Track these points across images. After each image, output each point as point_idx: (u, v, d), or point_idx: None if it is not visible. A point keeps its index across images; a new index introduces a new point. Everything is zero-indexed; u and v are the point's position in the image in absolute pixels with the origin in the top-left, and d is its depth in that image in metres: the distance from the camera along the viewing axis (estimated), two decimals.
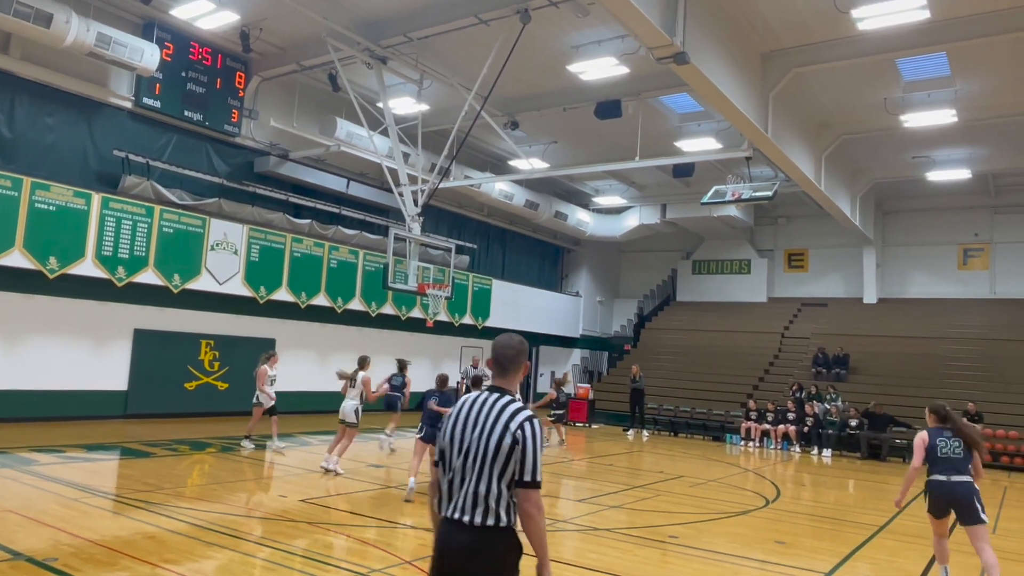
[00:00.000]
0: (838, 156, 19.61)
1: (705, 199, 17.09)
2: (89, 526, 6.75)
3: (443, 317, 21.46)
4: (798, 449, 18.19)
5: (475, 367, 17.99)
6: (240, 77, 17.19)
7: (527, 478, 2.93)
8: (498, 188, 22.24)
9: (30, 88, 14.17)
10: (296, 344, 18.13)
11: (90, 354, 14.73)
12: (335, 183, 19.61)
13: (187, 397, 16.14)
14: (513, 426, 2.96)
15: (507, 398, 3.08)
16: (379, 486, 10.01)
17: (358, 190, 20.13)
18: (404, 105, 17.55)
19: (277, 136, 18.14)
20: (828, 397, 19.20)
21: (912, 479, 6.32)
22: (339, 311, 18.81)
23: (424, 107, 17.47)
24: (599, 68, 15.07)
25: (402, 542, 6.99)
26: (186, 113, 16.26)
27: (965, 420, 6.34)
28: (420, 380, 20.17)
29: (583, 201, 27.42)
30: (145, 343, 15.48)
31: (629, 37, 13.43)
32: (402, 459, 12.42)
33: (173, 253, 15.19)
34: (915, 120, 16.55)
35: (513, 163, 22.75)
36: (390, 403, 14.37)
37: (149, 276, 14.83)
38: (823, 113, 17.67)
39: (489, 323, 23.60)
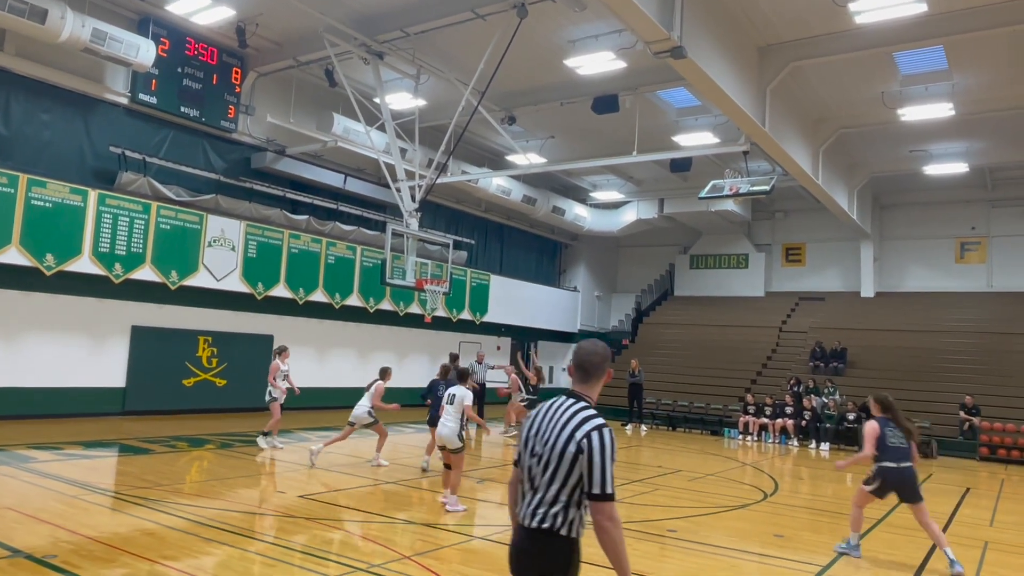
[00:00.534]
0: (835, 150, 19.61)
1: (703, 194, 17.11)
2: (88, 523, 6.75)
3: (441, 313, 21.47)
4: (796, 443, 18.24)
5: (480, 362, 17.98)
6: (236, 73, 17.14)
7: (595, 490, 2.86)
8: (496, 183, 22.22)
9: (26, 84, 14.11)
10: (294, 340, 18.01)
11: (88, 351, 14.71)
12: (332, 179, 19.57)
13: (185, 394, 16.13)
14: (579, 435, 2.90)
15: (580, 404, 3.02)
16: (378, 481, 10.02)
17: (355, 186, 20.09)
18: (401, 100, 17.52)
19: (274, 132, 18.09)
20: (826, 391, 19.24)
21: (860, 461, 7.26)
22: (337, 307, 18.80)
23: (421, 102, 17.43)
24: (596, 62, 15.03)
25: (401, 537, 7.00)
26: (182, 109, 16.21)
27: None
28: (418, 376, 20.24)
29: (581, 196, 27.41)
30: (143, 340, 15.46)
31: (626, 31, 13.41)
32: (402, 454, 12.44)
33: (170, 249, 15.16)
34: (912, 114, 16.56)
35: (510, 158, 22.71)
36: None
37: (146, 273, 14.80)
38: (820, 107, 17.66)
39: (487, 318, 23.60)
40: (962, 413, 17.68)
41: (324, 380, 19.05)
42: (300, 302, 17.91)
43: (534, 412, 3.13)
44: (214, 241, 15.96)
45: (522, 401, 16.47)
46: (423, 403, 11.34)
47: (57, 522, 6.69)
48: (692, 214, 25.97)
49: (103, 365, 14.91)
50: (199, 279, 15.69)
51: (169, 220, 15.20)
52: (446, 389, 10.25)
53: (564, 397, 3.09)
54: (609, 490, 2.85)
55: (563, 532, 2.91)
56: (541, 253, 29.03)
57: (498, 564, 6.27)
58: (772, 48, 14.41)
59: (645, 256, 31.34)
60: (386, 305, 20.01)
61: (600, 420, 2.95)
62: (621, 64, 15.02)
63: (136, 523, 6.90)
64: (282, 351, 12.35)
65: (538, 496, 2.94)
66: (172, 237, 15.20)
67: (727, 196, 16.88)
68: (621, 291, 31.89)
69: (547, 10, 13.51)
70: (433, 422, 10.21)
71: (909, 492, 7.02)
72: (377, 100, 16.56)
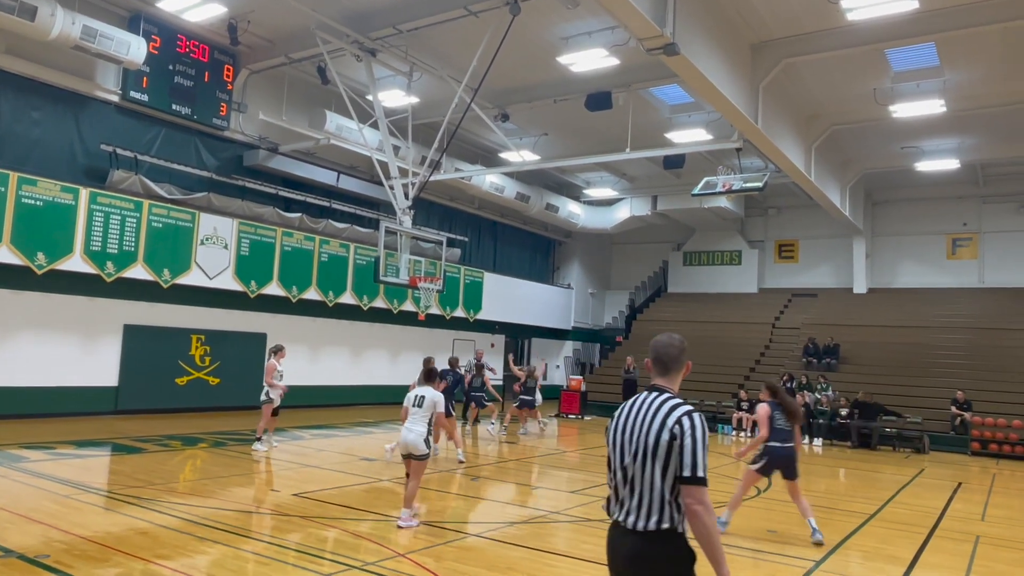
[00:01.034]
0: (828, 147, 19.66)
1: (696, 190, 17.12)
2: (81, 522, 6.72)
3: (435, 310, 21.46)
4: None
5: (479, 360, 17.92)
6: (228, 70, 17.07)
7: (686, 473, 2.83)
8: (489, 181, 22.20)
9: (15, 82, 14.02)
10: (287, 338, 17.90)
11: (80, 350, 14.65)
12: (325, 176, 19.52)
13: (178, 392, 16.08)
14: (671, 421, 2.88)
15: (666, 395, 3.01)
16: (372, 479, 10.01)
17: (348, 183, 20.05)
18: (394, 98, 17.47)
19: (266, 130, 18.03)
20: (819, 387, 19.30)
21: (759, 443, 7.91)
22: (330, 305, 18.76)
23: (414, 100, 17.40)
24: (589, 60, 15.02)
25: (396, 535, 6.99)
26: (174, 107, 16.14)
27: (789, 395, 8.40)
28: (412, 374, 20.20)
29: (574, 193, 27.42)
30: (135, 338, 15.40)
31: (619, 28, 13.40)
32: (396, 452, 12.41)
33: (162, 248, 15.10)
34: (904, 110, 16.61)
35: (504, 155, 22.71)
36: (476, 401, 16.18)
37: (138, 271, 14.74)
38: (813, 104, 17.71)
39: (481, 316, 23.60)
40: (954, 408, 17.77)
41: (317, 379, 19.03)
42: (293, 300, 17.87)
43: (618, 412, 3.09)
44: (206, 239, 15.90)
45: (514, 402, 16.47)
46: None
47: (50, 522, 6.66)
48: (685, 211, 26.01)
49: (95, 364, 14.85)
50: (191, 277, 15.64)
51: (161, 218, 15.14)
52: (452, 380, 12.19)
53: (646, 392, 3.07)
54: (701, 473, 2.81)
55: (680, 528, 2.87)
56: (535, 250, 29.04)
57: (494, 561, 6.28)
58: (765, 45, 14.43)
59: (639, 253, 31.39)
60: (380, 303, 19.98)
61: (689, 406, 2.93)
62: (614, 61, 15.02)
63: (129, 522, 6.88)
64: (278, 350, 11.93)
65: (641, 494, 2.89)
66: (164, 235, 15.14)
67: (720, 193, 16.89)
68: (615, 288, 31.94)
69: (540, 7, 13.50)
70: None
71: (790, 470, 7.77)
72: (370, 97, 16.51)
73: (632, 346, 25.68)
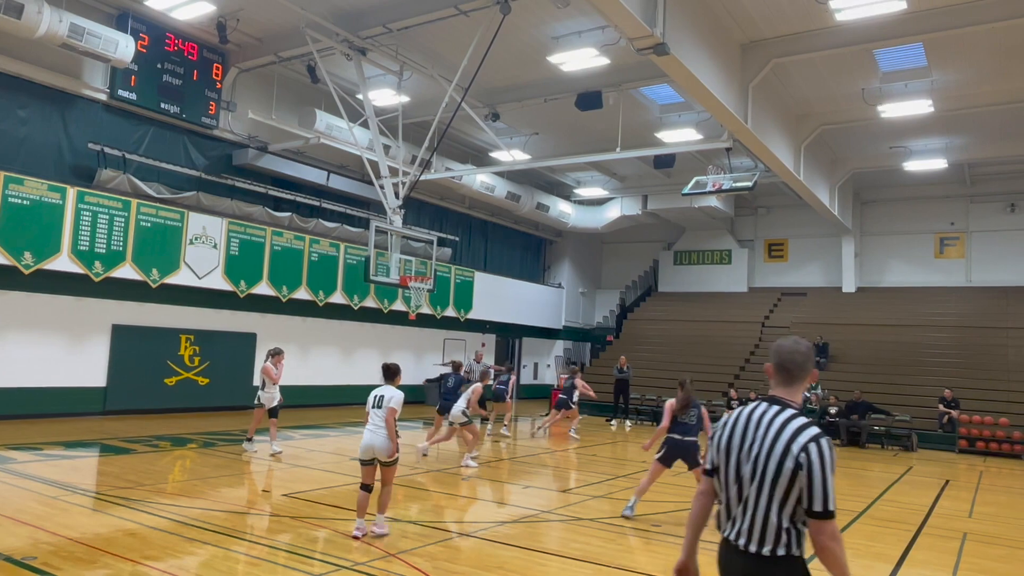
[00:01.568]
0: (817, 146, 19.76)
1: (686, 190, 17.18)
2: (68, 524, 6.68)
3: (425, 310, 21.44)
4: None
5: (479, 361, 17.84)
6: (217, 69, 16.98)
7: (816, 507, 2.61)
8: (480, 180, 22.19)
9: (2, 80, 13.90)
10: (278, 338, 17.91)
11: (68, 350, 14.55)
12: (315, 176, 19.45)
13: (167, 393, 15.99)
14: (795, 448, 2.65)
15: (789, 412, 2.77)
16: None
17: (338, 183, 19.99)
18: (384, 97, 17.44)
19: (256, 128, 17.95)
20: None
21: (661, 434, 8.48)
22: (321, 304, 18.70)
23: (404, 99, 17.37)
24: (579, 59, 15.04)
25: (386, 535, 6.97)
26: (163, 105, 16.04)
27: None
28: (404, 373, 20.17)
29: (565, 193, 27.44)
30: (124, 338, 15.31)
31: (609, 28, 13.43)
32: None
33: (151, 247, 15.01)
34: (892, 110, 16.71)
35: (494, 155, 22.70)
36: (497, 395, 16.10)
37: (127, 271, 14.65)
38: (802, 104, 17.79)
39: (471, 315, 23.59)
40: (941, 406, 17.90)
41: (307, 378, 18.98)
42: (283, 300, 17.80)
43: (729, 419, 2.92)
44: (196, 239, 15.82)
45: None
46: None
47: (37, 523, 6.62)
48: (676, 210, 26.07)
49: (83, 364, 14.75)
50: (180, 277, 15.55)
51: (150, 218, 15.05)
52: (455, 381, 12.45)
53: (765, 404, 2.83)
54: (831, 507, 2.62)
55: (796, 553, 2.69)
56: (525, 250, 29.04)
57: (483, 561, 6.28)
58: (754, 45, 14.49)
59: (629, 252, 31.45)
60: (370, 302, 19.94)
61: (816, 429, 2.70)
62: (604, 61, 15.04)
63: (118, 523, 6.84)
64: (276, 353, 11.45)
65: (754, 514, 2.71)
66: (153, 235, 15.05)
67: (710, 192, 16.96)
68: (605, 287, 31.99)
69: (530, 6, 13.50)
70: (442, 410, 12.41)
71: (691, 460, 8.34)
72: (360, 96, 16.47)
73: (623, 345, 25.74)
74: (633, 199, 26.41)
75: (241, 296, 16.83)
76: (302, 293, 18.17)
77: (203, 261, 15.95)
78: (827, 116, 18.26)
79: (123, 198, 14.67)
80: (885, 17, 12.52)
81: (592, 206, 27.62)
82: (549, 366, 29.32)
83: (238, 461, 10.91)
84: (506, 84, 17.80)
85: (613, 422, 20.22)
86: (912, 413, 17.95)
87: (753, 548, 2.70)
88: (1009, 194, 24.05)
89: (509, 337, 27.10)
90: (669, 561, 6.65)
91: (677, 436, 8.31)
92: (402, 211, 16.82)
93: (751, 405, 2.89)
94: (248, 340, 17.58)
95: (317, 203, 19.55)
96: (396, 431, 6.83)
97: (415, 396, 21.83)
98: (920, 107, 16.37)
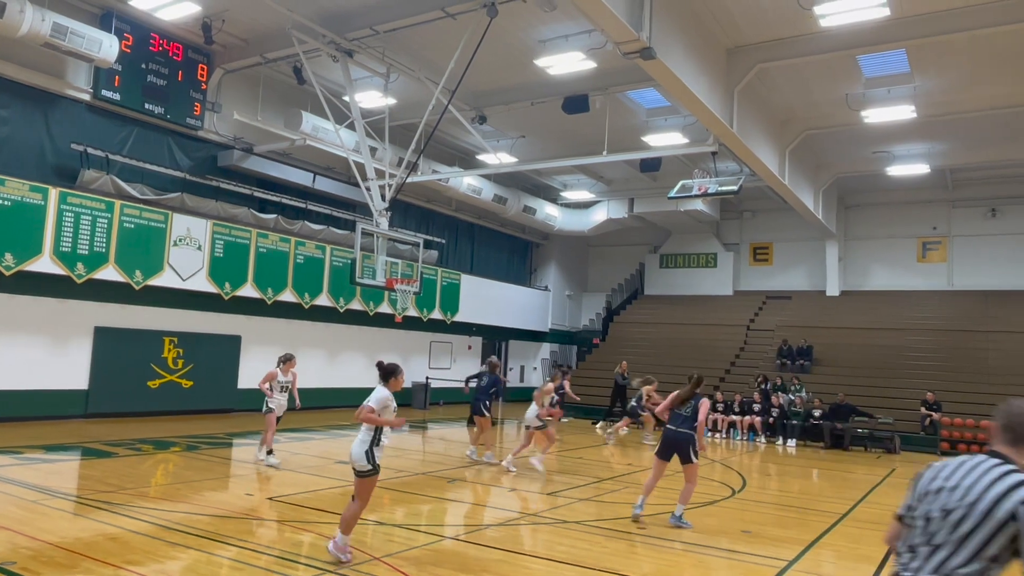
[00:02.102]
0: (801, 151, 19.91)
1: (672, 193, 17.26)
2: (49, 528, 6.60)
3: (412, 312, 21.39)
4: (763, 440, 18.49)
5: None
6: (202, 69, 16.88)
7: None
8: (466, 183, 22.18)
9: None
10: (263, 341, 17.90)
11: (49, 353, 14.38)
12: (301, 177, 19.37)
13: (150, 395, 15.85)
14: (1015, 498, 2.53)
15: (1010, 467, 2.64)
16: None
17: (324, 184, 19.92)
18: (371, 99, 17.40)
19: (241, 130, 17.85)
20: (792, 388, 19.52)
21: (663, 413, 8.58)
22: (306, 307, 18.62)
23: (391, 101, 17.34)
24: (566, 62, 15.09)
25: (372, 539, 6.95)
26: (147, 106, 15.92)
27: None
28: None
29: (551, 195, 27.49)
30: (106, 341, 15.16)
31: (596, 32, 13.45)
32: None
33: (134, 249, 14.89)
34: (875, 116, 16.88)
35: (481, 157, 22.70)
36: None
37: (110, 272, 14.52)
38: (787, 109, 17.93)
39: (458, 318, 23.57)
40: (923, 409, 18.07)
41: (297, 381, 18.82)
42: (268, 302, 17.70)
43: (938, 464, 2.85)
44: (180, 240, 15.70)
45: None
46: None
47: (16, 528, 6.53)
48: (662, 214, 26.19)
49: (65, 367, 14.59)
50: (164, 279, 15.43)
51: (133, 219, 14.92)
52: (488, 381, 12.59)
53: (985, 457, 2.73)
54: None
55: None
56: (512, 252, 29.06)
57: (468, 564, 6.26)
58: (739, 50, 14.58)
59: (615, 255, 31.54)
60: (356, 305, 19.87)
61: None
62: (591, 64, 15.09)
63: (99, 528, 6.76)
64: (287, 360, 10.97)
65: (940, 560, 2.63)
66: (136, 236, 14.93)
67: (696, 196, 17.04)
68: (592, 290, 32.06)
69: (517, 10, 13.51)
70: (476, 411, 12.45)
71: (683, 455, 8.27)
72: (346, 98, 16.43)
73: (609, 348, 25.79)
74: (619, 202, 26.50)
75: (226, 298, 16.72)
76: (287, 295, 18.08)
77: (187, 263, 15.83)
78: (811, 121, 18.41)
79: (106, 199, 14.54)
80: (869, 23, 12.63)
81: (578, 209, 27.69)
82: (535, 369, 29.33)
83: (222, 464, 10.83)
84: (493, 87, 17.82)
85: (598, 424, 20.21)
86: (895, 416, 18.10)
87: None
88: (990, 199, 24.34)
89: (496, 340, 27.08)
90: (655, 564, 6.67)
91: (672, 427, 8.37)
92: (388, 213, 16.78)
93: (967, 457, 2.80)
94: (233, 343, 17.46)
95: (303, 205, 19.47)
96: (378, 439, 6.09)
97: (401, 399, 21.71)
98: (903, 113, 16.55)
